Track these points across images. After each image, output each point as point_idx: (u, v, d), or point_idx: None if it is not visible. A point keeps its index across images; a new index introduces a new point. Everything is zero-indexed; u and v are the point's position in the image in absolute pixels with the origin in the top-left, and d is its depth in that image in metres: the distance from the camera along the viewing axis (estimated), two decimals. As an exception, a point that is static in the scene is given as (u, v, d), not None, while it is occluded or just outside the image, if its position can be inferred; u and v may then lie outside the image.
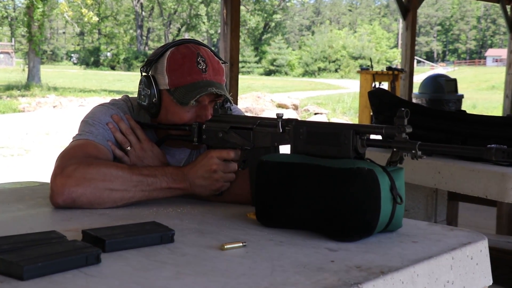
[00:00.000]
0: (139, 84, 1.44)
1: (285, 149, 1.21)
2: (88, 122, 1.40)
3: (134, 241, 0.98)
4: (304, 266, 0.89)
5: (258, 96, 14.53)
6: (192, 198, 1.35)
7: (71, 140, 1.39)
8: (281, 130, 1.21)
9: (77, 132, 1.40)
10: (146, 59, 1.45)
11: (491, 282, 1.08)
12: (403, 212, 1.08)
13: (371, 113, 2.63)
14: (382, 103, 2.32)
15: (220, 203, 1.33)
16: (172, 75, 1.38)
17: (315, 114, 13.56)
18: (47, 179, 1.37)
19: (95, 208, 1.25)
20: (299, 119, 1.21)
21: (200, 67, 1.38)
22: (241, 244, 0.99)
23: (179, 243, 1.01)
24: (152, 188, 1.29)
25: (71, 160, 1.27)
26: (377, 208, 1.01)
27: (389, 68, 7.18)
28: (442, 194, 2.24)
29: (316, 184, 1.06)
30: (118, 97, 1.53)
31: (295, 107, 14.04)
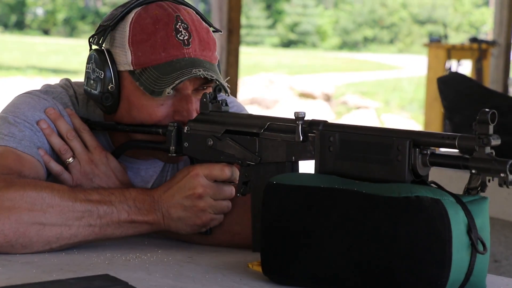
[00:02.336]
0: (87, 62, 1.45)
1: (307, 166, 1.23)
2: (7, 120, 1.41)
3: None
4: None
5: (270, 80, 14.57)
6: (167, 239, 1.36)
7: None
8: (301, 138, 1.22)
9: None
10: (98, 25, 1.47)
11: None
12: (487, 265, 1.09)
13: (443, 111, 2.64)
14: (459, 96, 2.33)
15: (207, 247, 1.34)
16: (138, 49, 1.39)
17: (357, 109, 13.59)
18: None
19: (18, 252, 1.26)
20: (329, 121, 1.22)
21: (181, 38, 1.39)
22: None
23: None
24: (105, 221, 1.30)
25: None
26: (446, 259, 1.01)
27: (473, 40, 7.18)
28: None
29: (353, 221, 1.07)
30: (55, 80, 1.54)
31: (327, 98, 14.08)
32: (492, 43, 6.96)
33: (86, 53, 1.48)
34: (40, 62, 20.57)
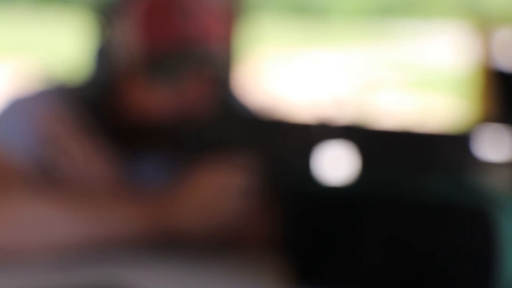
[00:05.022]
0: (81, 46, 1.48)
1: (337, 169, 1.26)
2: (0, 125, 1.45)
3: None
4: None
5: (280, 59, 14.46)
6: (174, 246, 1.39)
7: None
8: (329, 135, 1.26)
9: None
10: (94, 2, 1.50)
11: None
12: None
13: (495, 101, 2.66)
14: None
15: (222, 252, 1.37)
16: (140, 36, 1.43)
17: (388, 95, 13.50)
18: None
19: (13, 260, 1.29)
20: (357, 110, 1.25)
21: (186, 20, 1.42)
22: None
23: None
24: (106, 228, 1.33)
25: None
26: (497, 264, 1.04)
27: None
28: None
29: (389, 227, 1.10)
30: (37, 68, 1.56)
31: (350, 83, 13.99)
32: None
33: (71, 27, 1.51)
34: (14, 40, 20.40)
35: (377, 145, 1.18)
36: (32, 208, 1.31)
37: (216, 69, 1.41)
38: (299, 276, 1.17)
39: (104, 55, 1.45)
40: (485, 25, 6.99)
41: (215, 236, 1.36)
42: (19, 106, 1.46)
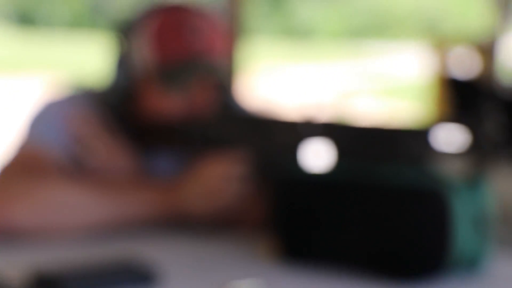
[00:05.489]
0: (105, 60, 1.47)
1: (317, 160, 1.24)
2: (37, 123, 1.43)
3: (102, 285, 1.01)
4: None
5: (276, 76, 14.48)
6: (182, 226, 1.38)
7: (15, 146, 1.42)
8: (311, 131, 1.24)
9: (20, 138, 1.43)
10: (117, 27, 1.49)
11: None
12: (490, 246, 1.10)
13: (449, 105, 2.65)
14: (462, 94, 2.34)
15: (223, 232, 1.36)
16: (155, 50, 1.41)
17: (362, 100, 13.50)
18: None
19: (47, 239, 1.28)
20: (337, 114, 1.23)
21: (193, 40, 1.41)
22: (255, 285, 1.01)
23: (167, 287, 1.04)
24: (126, 209, 1.32)
25: (15, 174, 1.31)
26: (450, 239, 1.03)
27: (471, 37, 7.15)
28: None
29: (362, 209, 1.09)
30: (72, 74, 1.56)
31: (330, 90, 13.99)
32: (493, 42, 6.88)
33: (98, 50, 1.49)
34: (51, 58, 20.38)
35: (351, 139, 1.17)
36: (66, 193, 1.30)
37: (219, 77, 1.41)
38: (287, 250, 1.16)
39: (124, 66, 1.44)
40: (441, 44, 7.02)
41: (216, 216, 1.35)
42: (54, 108, 1.45)
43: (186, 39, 1.41)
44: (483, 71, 6.76)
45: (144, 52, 1.42)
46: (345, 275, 1.11)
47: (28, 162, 1.36)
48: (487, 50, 6.88)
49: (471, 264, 1.08)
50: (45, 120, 1.43)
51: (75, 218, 1.30)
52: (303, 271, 1.13)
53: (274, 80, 14.06)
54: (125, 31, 1.45)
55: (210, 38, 1.44)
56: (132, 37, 1.44)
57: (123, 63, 1.44)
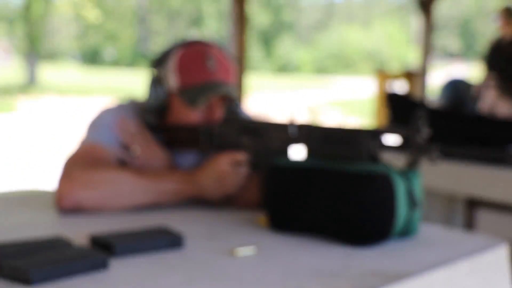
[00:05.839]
0: (146, 84, 1.45)
1: (297, 153, 1.23)
2: (94, 126, 1.42)
3: (143, 246, 1.00)
4: (318, 272, 0.91)
5: (268, 97, 14.54)
6: (201, 203, 1.37)
7: (78, 144, 1.41)
8: (294, 134, 1.22)
9: (83, 136, 1.42)
10: (153, 59, 1.47)
11: (510, 289, 1.10)
12: (420, 217, 1.09)
13: (388, 116, 2.64)
14: (399, 106, 2.34)
15: (230, 208, 1.35)
16: (181, 75, 1.39)
17: (329, 115, 13.51)
18: (50, 187, 1.40)
19: (102, 212, 1.27)
20: (312, 121, 1.22)
21: (210, 67, 1.39)
22: (252, 249, 1.01)
23: (189, 248, 1.03)
24: (160, 192, 1.31)
25: (78, 164, 1.30)
26: (393, 213, 1.02)
27: (404, 68, 7.19)
28: (460, 200, 2.25)
29: (330, 189, 1.07)
30: (122, 96, 1.54)
31: (307, 109, 14.02)
32: (417, 70, 6.97)
33: (142, 78, 1.49)
34: (111, 85, 20.58)
35: (320, 137, 1.16)
36: (118, 179, 1.28)
37: (230, 95, 1.39)
38: (274, 221, 1.15)
39: (158, 87, 1.42)
40: (385, 77, 7.02)
41: (224, 195, 1.34)
42: (107, 114, 1.44)
43: (204, 66, 1.39)
44: (414, 91, 6.80)
45: (173, 76, 1.40)
46: (317, 239, 1.10)
47: (88, 155, 1.34)
48: (417, 77, 6.92)
49: (407, 228, 1.08)
50: (100, 123, 1.42)
51: (125, 198, 1.29)
52: (287, 237, 1.12)
53: (267, 99, 14.23)
54: (159, 60, 1.43)
55: (223, 65, 1.42)
56: (164, 64, 1.42)
57: (157, 84, 1.42)
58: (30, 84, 19.31)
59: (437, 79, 7.04)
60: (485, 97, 4.60)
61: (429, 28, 6.89)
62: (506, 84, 4.86)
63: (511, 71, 4.82)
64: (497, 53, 5.02)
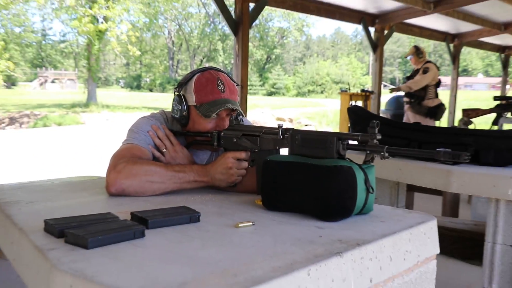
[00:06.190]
0: (173, 101, 1.44)
1: (284, 151, 1.22)
2: (133, 130, 1.40)
3: (170, 221, 0.99)
4: (299, 240, 0.90)
5: (262, 112, 14.53)
6: (213, 189, 1.36)
7: (121, 144, 1.40)
8: (281, 137, 1.21)
9: (125, 138, 1.41)
10: (177, 82, 1.46)
11: (438, 251, 1.08)
12: (374, 200, 1.08)
13: (349, 125, 2.62)
14: (358, 117, 2.33)
15: (234, 193, 1.34)
16: (198, 94, 1.38)
17: (306, 125, 13.53)
18: (103, 174, 1.39)
19: (139, 196, 1.26)
20: (295, 128, 1.21)
21: (220, 88, 1.38)
22: (251, 223, 1.00)
23: (204, 223, 1.01)
24: (182, 181, 1.29)
25: (121, 159, 1.28)
26: (354, 196, 1.01)
27: (362, 90, 7.18)
28: (402, 186, 2.24)
29: (308, 178, 1.06)
30: (156, 111, 1.54)
31: (290, 120, 14.02)
32: (371, 92, 7.01)
33: (171, 98, 1.47)
34: (148, 104, 20.61)
35: (301, 140, 1.14)
36: (152, 170, 1.26)
37: (235, 109, 1.37)
38: (267, 203, 1.14)
39: (181, 102, 1.41)
40: (347, 96, 6.99)
41: (230, 183, 1.32)
42: (144, 121, 1.43)
43: (215, 87, 1.38)
44: (369, 107, 6.80)
45: (191, 95, 1.39)
46: (299, 216, 1.09)
47: (129, 153, 1.33)
48: (372, 96, 6.92)
49: (364, 208, 1.06)
50: (138, 128, 1.40)
51: (156, 185, 1.27)
52: (276, 214, 1.11)
53: (262, 113, 14.15)
54: (181, 83, 1.42)
55: (229, 87, 1.40)
56: (185, 86, 1.41)
57: (180, 101, 1.41)
58: (89, 103, 19.35)
59: (384, 98, 7.04)
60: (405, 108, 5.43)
61: (380, 62, 6.91)
62: (410, 100, 5.36)
63: (414, 92, 5.32)
64: (408, 79, 5.48)
